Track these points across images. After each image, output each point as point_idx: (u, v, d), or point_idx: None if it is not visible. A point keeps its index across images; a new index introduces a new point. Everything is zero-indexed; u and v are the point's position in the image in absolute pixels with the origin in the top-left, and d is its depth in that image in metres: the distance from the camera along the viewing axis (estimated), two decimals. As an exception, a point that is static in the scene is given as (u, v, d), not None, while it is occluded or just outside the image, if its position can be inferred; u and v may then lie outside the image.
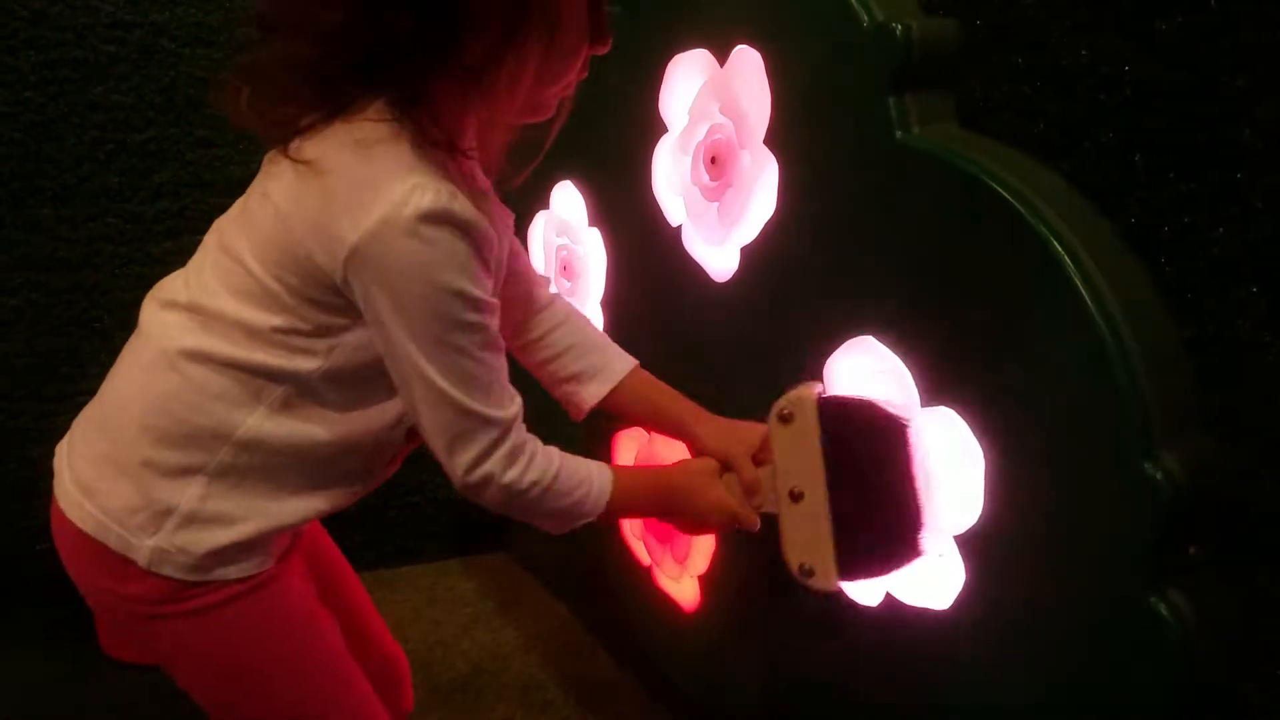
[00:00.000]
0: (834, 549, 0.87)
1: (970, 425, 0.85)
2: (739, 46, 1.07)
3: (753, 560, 1.17)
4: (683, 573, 1.30)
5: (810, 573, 0.89)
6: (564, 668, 1.71)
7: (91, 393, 1.78)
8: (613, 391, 1.00)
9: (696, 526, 0.97)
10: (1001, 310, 0.81)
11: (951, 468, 0.87)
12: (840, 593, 0.93)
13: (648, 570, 1.38)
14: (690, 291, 1.21)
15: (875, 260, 0.93)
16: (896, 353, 0.92)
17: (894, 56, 0.88)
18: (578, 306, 1.46)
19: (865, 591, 0.99)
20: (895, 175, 0.89)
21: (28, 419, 1.78)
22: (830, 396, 0.90)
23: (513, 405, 0.81)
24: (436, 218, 0.71)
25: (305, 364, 0.79)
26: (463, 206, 0.73)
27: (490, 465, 0.79)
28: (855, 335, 0.96)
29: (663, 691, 1.52)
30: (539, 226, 1.58)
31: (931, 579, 0.90)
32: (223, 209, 0.86)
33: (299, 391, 0.80)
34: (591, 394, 0.99)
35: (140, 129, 1.73)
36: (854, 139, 0.93)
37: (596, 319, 1.45)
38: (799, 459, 0.88)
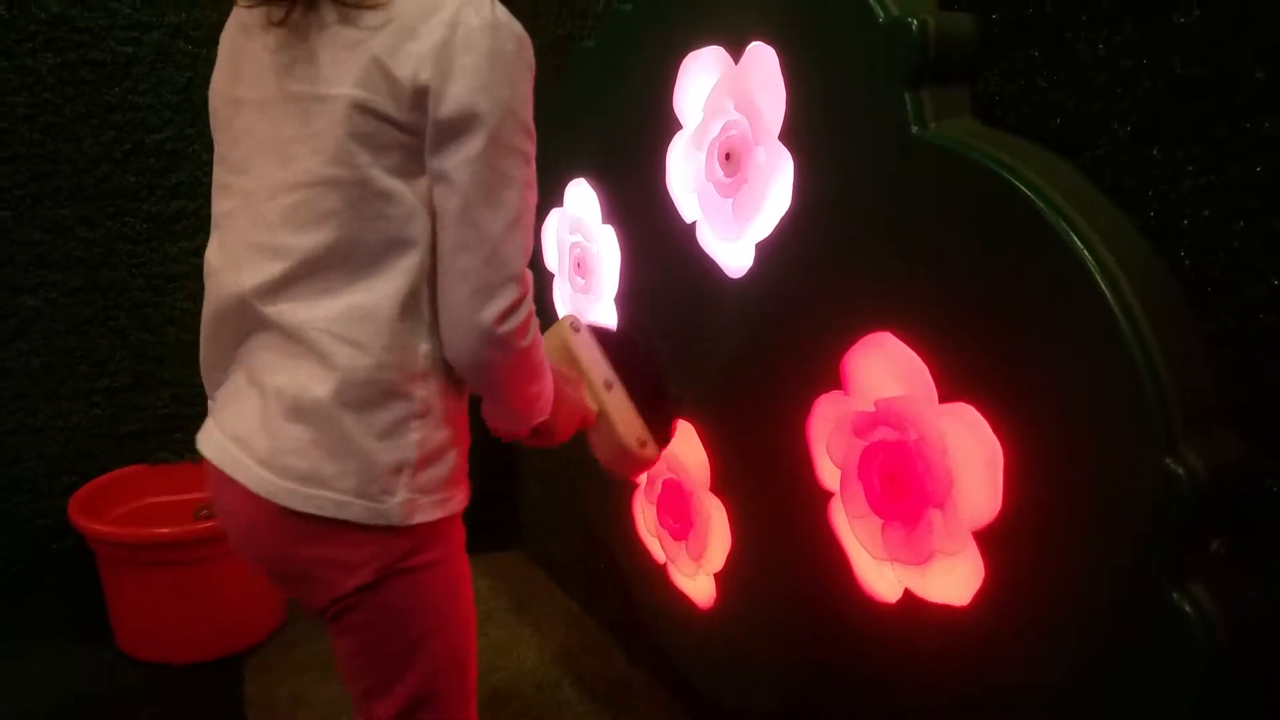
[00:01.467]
0: (643, 423, 1.09)
1: (989, 421, 0.85)
2: (753, 43, 1.07)
3: (769, 557, 1.17)
4: (698, 570, 1.30)
5: (644, 444, 1.09)
6: (578, 665, 1.71)
7: (109, 390, 1.81)
8: None
9: (565, 431, 1.05)
10: (1020, 306, 0.81)
11: (971, 464, 0.87)
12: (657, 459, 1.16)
13: (662, 568, 1.38)
14: (704, 288, 1.21)
15: (892, 256, 0.93)
16: (914, 349, 0.92)
17: (910, 52, 0.88)
18: (592, 304, 1.47)
19: (883, 588, 0.98)
20: (912, 171, 0.89)
21: (45, 417, 1.80)
22: (593, 324, 1.17)
23: (530, 278, 0.83)
24: (500, 26, 0.75)
25: (421, 254, 0.80)
26: (513, 19, 0.76)
27: (514, 322, 0.80)
28: (872, 332, 0.96)
29: (677, 689, 1.52)
30: (552, 224, 1.58)
31: (952, 576, 0.90)
32: None
33: (432, 296, 0.81)
34: None
35: (157, 129, 1.74)
36: (870, 134, 0.93)
37: (610, 316, 1.46)
38: (595, 359, 1.10)
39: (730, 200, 1.15)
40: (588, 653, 1.75)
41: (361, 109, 0.76)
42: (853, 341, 0.99)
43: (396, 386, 0.81)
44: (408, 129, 0.76)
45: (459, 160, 0.76)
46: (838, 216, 0.99)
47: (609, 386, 1.10)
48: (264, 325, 0.83)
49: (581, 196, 1.49)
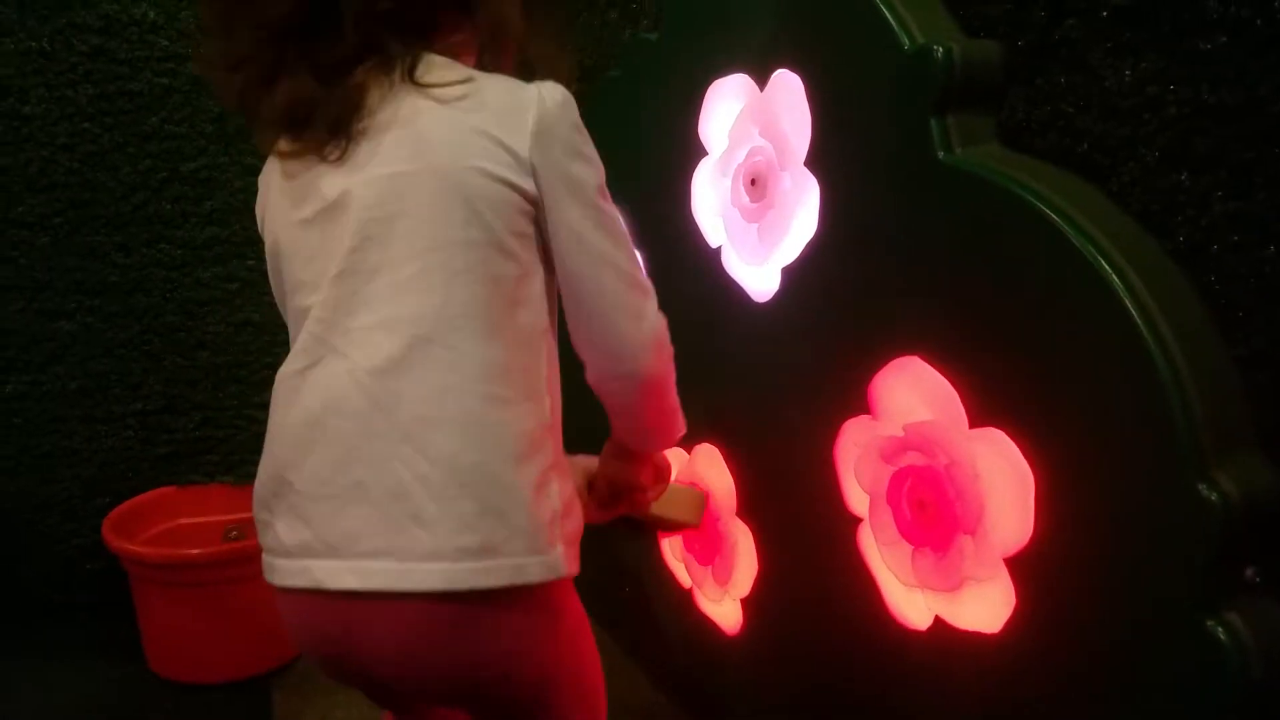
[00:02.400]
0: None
1: (1020, 446, 0.84)
2: (779, 70, 1.08)
3: (797, 583, 1.17)
4: (724, 595, 1.30)
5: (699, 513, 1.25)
6: (604, 690, 1.70)
7: (142, 413, 1.83)
8: None
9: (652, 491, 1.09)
10: (1048, 330, 0.81)
11: (1002, 489, 0.86)
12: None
13: (688, 593, 1.38)
14: (730, 312, 1.21)
15: (920, 281, 0.93)
16: (943, 373, 0.92)
17: (935, 79, 0.88)
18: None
19: (914, 615, 0.98)
20: (938, 196, 0.89)
21: (79, 440, 1.83)
22: None
23: None
24: (569, 99, 0.81)
25: (537, 310, 0.82)
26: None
27: (661, 325, 0.86)
28: (901, 356, 0.96)
29: (703, 715, 1.51)
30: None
31: (983, 603, 0.90)
32: None
33: (548, 348, 0.84)
34: None
35: (192, 158, 1.77)
36: (897, 160, 0.94)
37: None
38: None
39: (756, 225, 1.16)
40: (612, 676, 1.74)
41: (485, 174, 0.77)
42: (880, 365, 0.99)
43: (537, 438, 0.79)
44: (524, 194, 0.79)
45: (575, 215, 0.80)
46: (864, 241, 1.00)
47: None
48: (386, 408, 0.76)
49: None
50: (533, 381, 0.80)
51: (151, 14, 1.70)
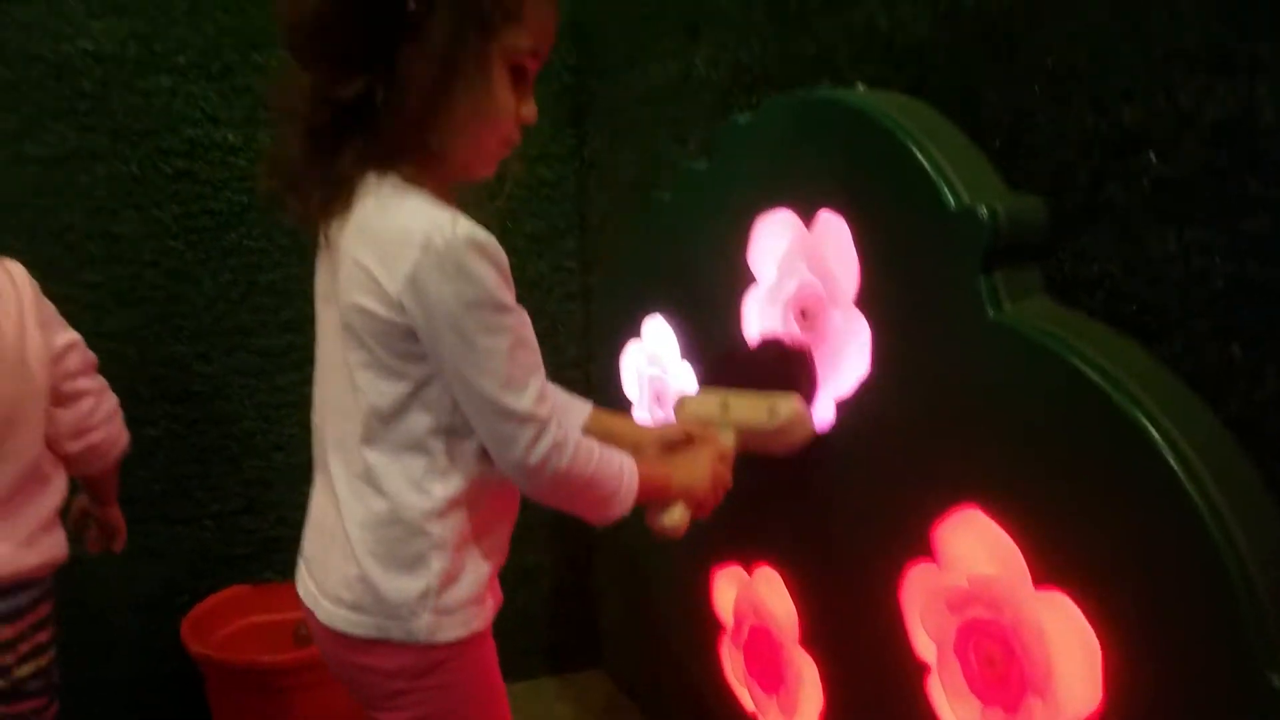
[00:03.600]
0: (770, 397, 1.15)
1: (1085, 612, 0.83)
2: (825, 212, 1.09)
3: (864, 714, 1.16)
4: (786, 721, 1.29)
5: (775, 411, 1.13)
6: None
7: (220, 514, 1.91)
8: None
9: (701, 481, 1.10)
10: (1101, 497, 0.80)
11: (1069, 653, 0.85)
12: (802, 410, 1.14)
13: (751, 717, 1.37)
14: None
15: (973, 433, 0.93)
16: (1004, 527, 0.91)
17: (981, 239, 0.89)
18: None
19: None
20: (987, 352, 0.89)
21: (161, 540, 1.90)
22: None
23: (547, 402, 0.91)
24: (466, 236, 0.86)
25: (432, 415, 0.94)
26: (478, 229, 0.88)
27: (537, 456, 0.90)
28: (961, 505, 0.95)
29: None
30: (631, 355, 1.62)
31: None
32: None
33: (446, 447, 0.95)
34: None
35: (269, 270, 1.85)
36: (945, 314, 0.94)
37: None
38: (704, 403, 1.21)
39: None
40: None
41: (361, 310, 0.90)
42: (941, 512, 0.98)
43: (416, 524, 0.94)
44: (399, 325, 0.89)
45: (445, 349, 0.89)
46: (916, 387, 1.00)
47: (724, 408, 1.18)
48: (328, 472, 1.00)
49: (659, 331, 1.53)
50: (420, 476, 0.94)
51: (231, 137, 1.80)
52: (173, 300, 1.83)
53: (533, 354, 0.92)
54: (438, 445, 0.94)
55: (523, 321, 0.91)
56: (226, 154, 1.80)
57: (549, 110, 1.99)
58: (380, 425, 0.94)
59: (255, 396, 1.89)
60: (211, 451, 1.90)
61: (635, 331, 1.58)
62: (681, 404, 1.23)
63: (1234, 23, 0.74)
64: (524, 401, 0.89)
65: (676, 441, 1.16)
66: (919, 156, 0.95)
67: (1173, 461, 0.74)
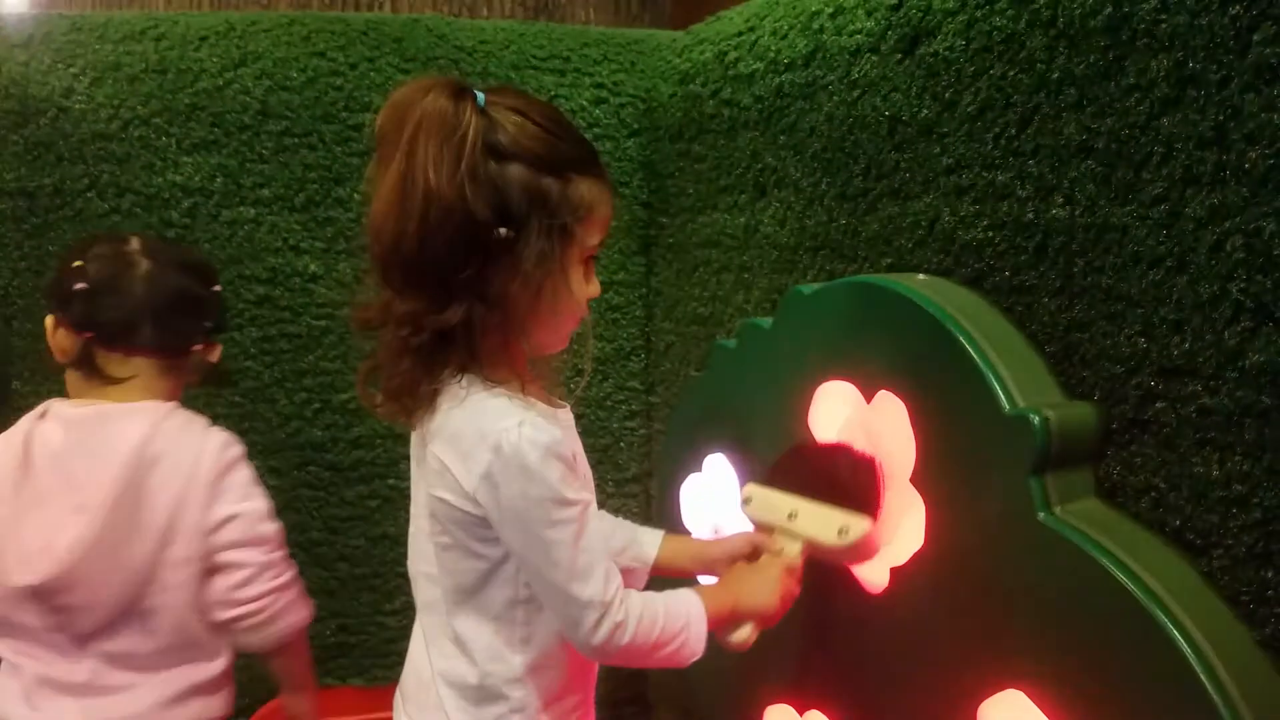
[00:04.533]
0: (840, 512, 1.15)
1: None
2: (884, 392, 1.16)
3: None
4: None
5: (846, 531, 1.14)
6: None
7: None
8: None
9: (769, 600, 1.14)
10: (1140, 706, 0.85)
11: None
12: (872, 531, 1.15)
13: None
14: (843, 592, 1.27)
15: (1020, 621, 0.99)
16: (1047, 715, 0.96)
17: (1033, 444, 0.95)
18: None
19: None
20: (1036, 552, 0.95)
21: (229, 644, 1.97)
22: (765, 469, 1.30)
23: (611, 585, 0.99)
24: (531, 438, 0.94)
25: (511, 588, 1.02)
26: (538, 432, 0.95)
27: (600, 637, 0.98)
28: (1005, 687, 1.01)
29: None
30: (691, 488, 1.68)
31: None
32: (408, 456, 1.07)
33: (525, 616, 1.03)
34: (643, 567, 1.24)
35: (343, 390, 1.95)
36: (996, 509, 1.00)
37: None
38: (771, 507, 1.22)
39: (865, 522, 1.23)
40: None
41: (443, 502, 0.99)
42: (987, 689, 1.03)
43: (497, 689, 1.03)
44: (476, 516, 0.98)
45: (515, 541, 0.98)
46: (968, 571, 1.06)
47: (793, 516, 1.19)
48: (421, 625, 1.09)
49: (720, 469, 1.60)
50: (502, 645, 1.03)
51: (313, 266, 1.91)
52: (248, 418, 1.92)
53: (598, 541, 0.99)
54: (518, 615, 1.03)
55: (586, 512, 0.98)
56: (306, 281, 1.91)
57: (620, 240, 2.09)
58: (464, 597, 1.03)
59: (323, 509, 1.98)
60: (280, 560, 1.98)
61: (697, 465, 1.65)
62: (749, 501, 1.26)
63: (1276, 277, 0.80)
64: (588, 589, 0.97)
65: (743, 554, 1.21)
66: (976, 358, 1.02)
67: (1205, 680, 0.80)
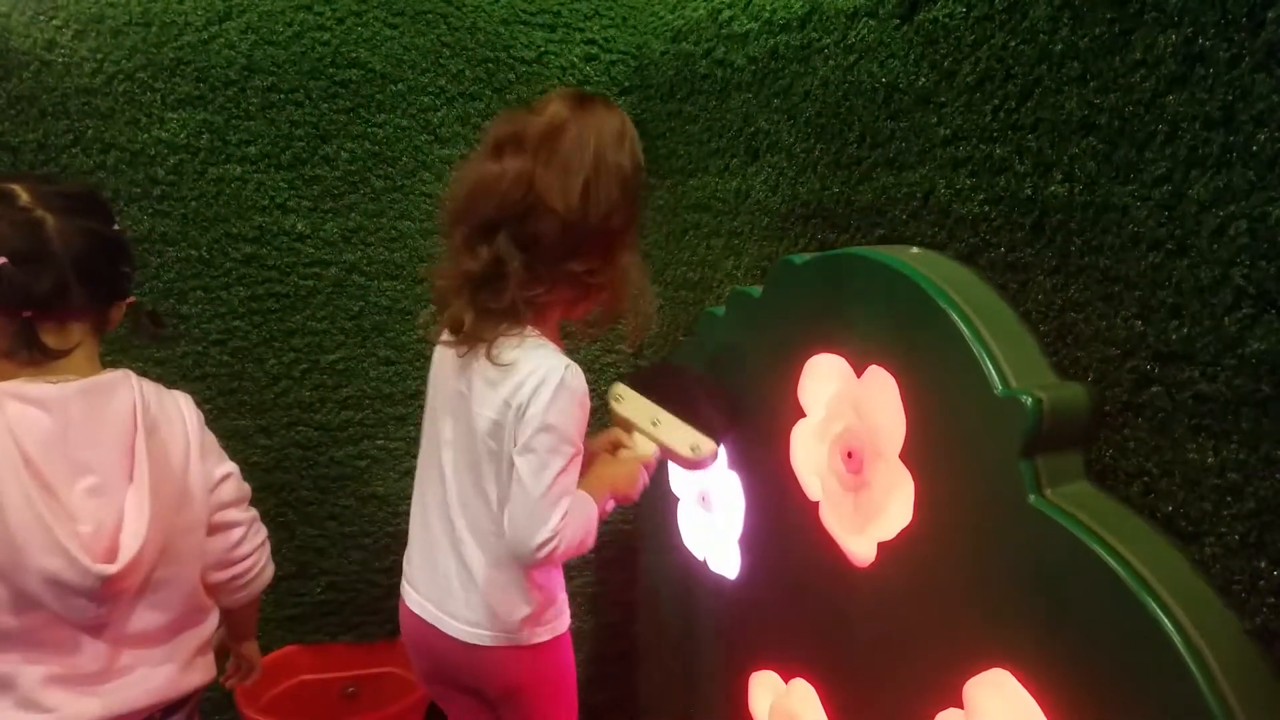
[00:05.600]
0: (694, 432, 1.40)
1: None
2: (874, 366, 1.15)
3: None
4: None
5: (698, 449, 1.39)
6: None
7: (275, 578, 1.95)
8: None
9: (632, 487, 1.37)
10: (1127, 689, 0.85)
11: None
12: (715, 451, 1.41)
13: (784, 822, 1.42)
14: (828, 564, 1.27)
15: (1008, 602, 0.98)
16: (1033, 696, 0.96)
17: (1024, 426, 0.94)
18: (717, 539, 1.55)
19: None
20: (1025, 533, 0.95)
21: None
22: (629, 374, 1.54)
23: (564, 519, 1.19)
24: (571, 387, 1.18)
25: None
26: (580, 379, 1.20)
27: (543, 554, 1.19)
28: (993, 665, 1.01)
29: None
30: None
31: None
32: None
33: None
34: None
35: (331, 350, 1.93)
36: (986, 489, 0.99)
37: (734, 557, 1.54)
38: (638, 409, 1.43)
39: (852, 496, 1.22)
40: None
41: (494, 423, 1.22)
42: (973, 668, 1.03)
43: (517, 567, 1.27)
44: (512, 428, 1.20)
45: (517, 443, 1.19)
46: (957, 549, 1.05)
47: (655, 423, 1.41)
48: (450, 525, 1.31)
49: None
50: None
51: (300, 225, 1.88)
52: (236, 377, 1.90)
53: (573, 482, 1.22)
54: None
55: (577, 460, 1.21)
56: (294, 240, 1.88)
57: (605, 201, 2.06)
58: (497, 497, 1.25)
59: (313, 469, 1.97)
60: (267, 520, 1.94)
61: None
62: (620, 399, 1.46)
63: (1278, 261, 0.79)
64: (552, 516, 1.18)
65: (605, 450, 1.43)
66: (969, 336, 1.01)
67: (1192, 667, 0.79)
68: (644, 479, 1.39)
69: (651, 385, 1.46)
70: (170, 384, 1.85)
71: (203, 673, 1.30)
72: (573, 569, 2.20)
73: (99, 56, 1.76)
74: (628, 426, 1.43)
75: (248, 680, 1.56)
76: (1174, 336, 0.87)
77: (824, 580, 1.29)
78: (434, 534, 1.34)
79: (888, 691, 1.19)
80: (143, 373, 1.78)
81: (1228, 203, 0.81)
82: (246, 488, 1.34)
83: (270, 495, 1.96)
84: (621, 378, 1.55)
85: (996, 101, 1.06)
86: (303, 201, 1.88)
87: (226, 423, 1.91)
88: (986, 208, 1.08)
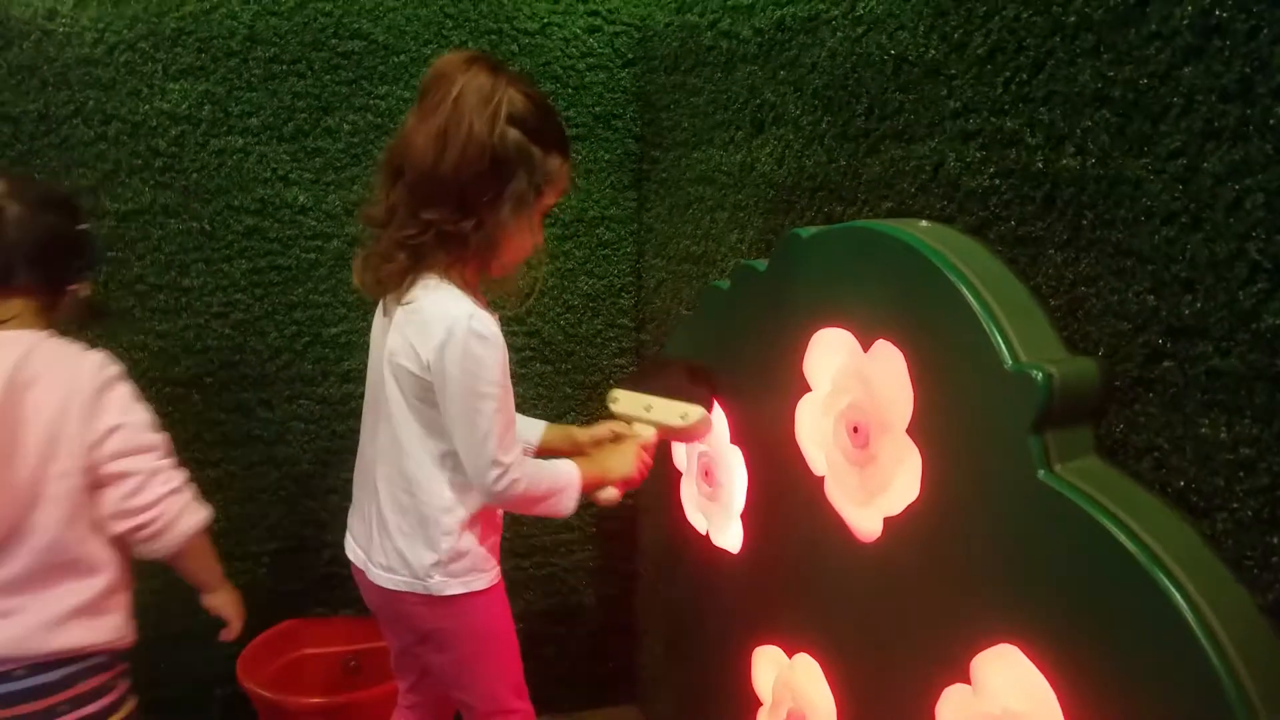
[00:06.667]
0: (683, 404, 1.52)
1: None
2: (881, 341, 1.14)
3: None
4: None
5: (686, 415, 1.51)
6: None
7: (276, 551, 1.99)
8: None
9: (629, 469, 1.47)
10: (1137, 664, 0.85)
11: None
12: (705, 417, 1.53)
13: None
14: (833, 540, 1.27)
15: (1015, 577, 0.98)
16: (1041, 669, 0.96)
17: (1034, 401, 0.94)
18: (721, 513, 1.56)
19: None
20: (1034, 509, 0.94)
21: (220, 575, 1.98)
22: (624, 378, 1.75)
23: (514, 450, 1.29)
24: (477, 330, 1.23)
25: (447, 442, 1.31)
26: (483, 322, 1.24)
27: (501, 486, 1.28)
28: (999, 640, 1.01)
29: None
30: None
31: None
32: None
33: (456, 463, 1.32)
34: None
35: (333, 324, 1.92)
36: (995, 465, 0.99)
37: (736, 532, 1.54)
38: (632, 403, 1.58)
39: (858, 470, 1.22)
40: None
41: (405, 370, 1.28)
42: (979, 642, 1.03)
43: (432, 515, 1.33)
44: (426, 381, 1.27)
45: (446, 401, 1.26)
46: (964, 525, 1.05)
47: (648, 408, 1.54)
48: (372, 474, 1.39)
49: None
50: (435, 483, 1.32)
51: (302, 198, 1.87)
52: (238, 350, 1.90)
53: (510, 416, 1.29)
54: (451, 462, 1.32)
55: (507, 394, 1.28)
56: (296, 213, 1.87)
57: (611, 174, 2.05)
58: (413, 446, 1.32)
59: (314, 442, 1.97)
60: (269, 493, 1.97)
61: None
62: (616, 401, 1.61)
63: (1290, 237, 0.78)
64: (498, 450, 1.26)
65: (606, 438, 1.54)
66: (978, 310, 1.00)
67: (1205, 643, 0.79)
68: (644, 459, 1.49)
69: (640, 382, 1.63)
70: (173, 357, 1.87)
71: (85, 635, 1.30)
72: (574, 543, 2.20)
73: (100, 26, 1.75)
74: (628, 420, 1.57)
75: (231, 636, 1.59)
76: (1187, 311, 0.87)
77: (829, 555, 1.29)
78: (364, 483, 1.42)
79: (893, 666, 1.19)
80: (143, 345, 1.78)
81: (1244, 176, 0.81)
82: (148, 439, 1.34)
83: (272, 469, 1.96)
84: (615, 384, 1.72)
85: (1008, 74, 1.05)
86: (305, 174, 1.87)
87: (228, 396, 1.91)
88: (997, 181, 1.07)
